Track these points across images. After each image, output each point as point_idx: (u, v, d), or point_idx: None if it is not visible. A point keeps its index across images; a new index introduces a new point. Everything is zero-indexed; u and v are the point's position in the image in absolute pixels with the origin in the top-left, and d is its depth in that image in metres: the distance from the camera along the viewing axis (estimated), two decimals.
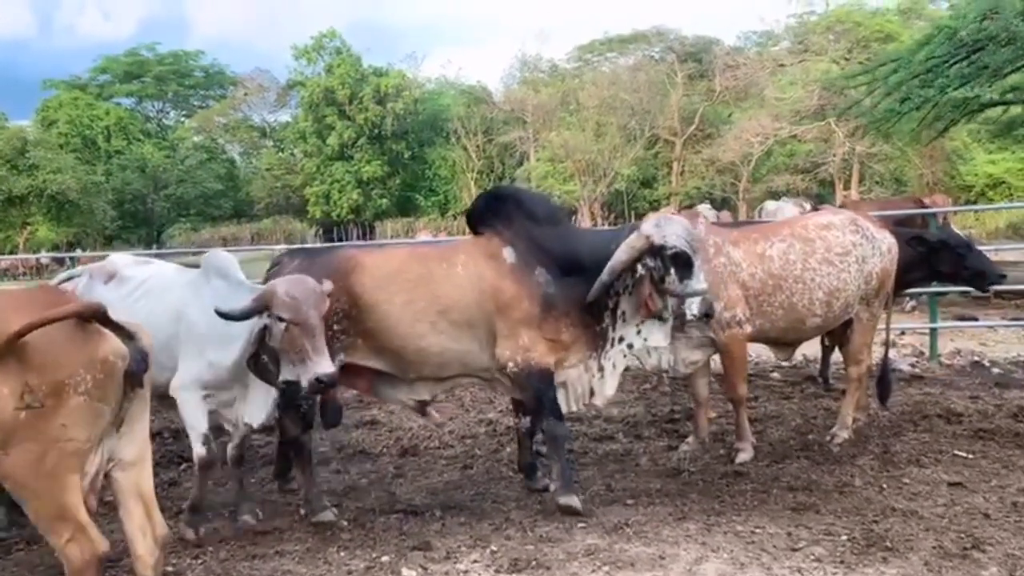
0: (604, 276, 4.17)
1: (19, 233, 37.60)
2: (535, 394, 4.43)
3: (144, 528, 3.14)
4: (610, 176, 36.81)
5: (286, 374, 3.85)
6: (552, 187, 39.64)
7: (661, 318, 4.36)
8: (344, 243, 7.75)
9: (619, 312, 4.39)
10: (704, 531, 4.01)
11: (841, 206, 9.78)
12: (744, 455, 5.04)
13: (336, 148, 42.16)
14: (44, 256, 27.74)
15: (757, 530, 3.98)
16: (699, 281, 4.15)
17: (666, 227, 4.23)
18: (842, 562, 3.60)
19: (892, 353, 8.14)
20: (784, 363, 7.84)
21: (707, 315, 4.23)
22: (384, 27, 78.83)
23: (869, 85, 12.85)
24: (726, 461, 5.07)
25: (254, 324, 3.83)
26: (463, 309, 4.38)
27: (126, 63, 45.01)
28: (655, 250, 4.18)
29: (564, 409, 4.54)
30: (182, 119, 48.80)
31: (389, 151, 42.63)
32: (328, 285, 4.04)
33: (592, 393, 4.55)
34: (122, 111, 44.31)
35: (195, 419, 4.19)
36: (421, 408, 4.81)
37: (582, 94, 38.42)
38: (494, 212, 4.53)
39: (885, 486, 4.50)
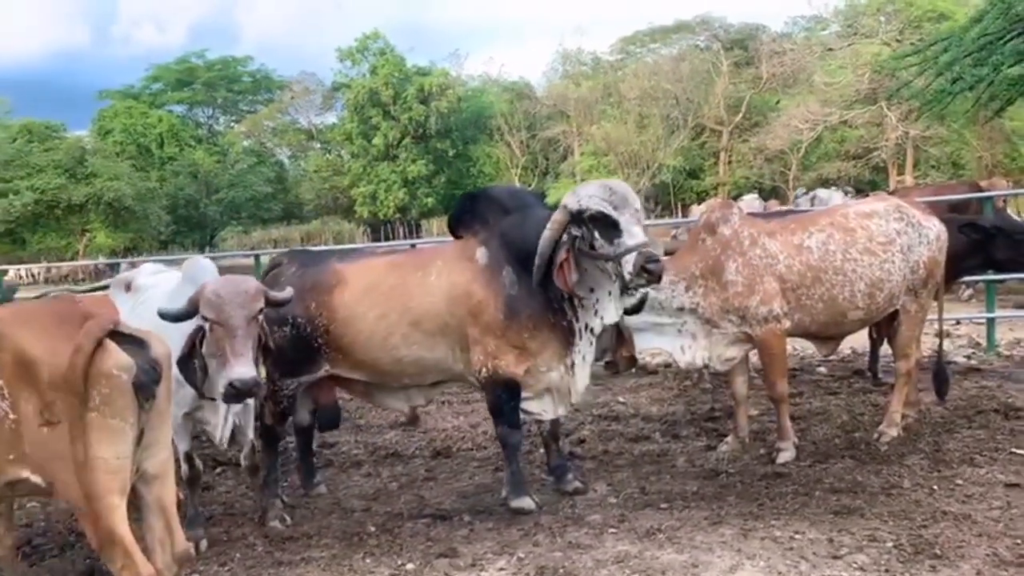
0: (537, 259, 4.02)
1: (79, 240, 38.71)
2: (496, 400, 4.36)
3: (164, 542, 3.11)
4: (654, 168, 36.34)
5: (217, 378, 3.74)
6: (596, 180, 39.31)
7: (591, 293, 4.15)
8: (339, 248, 7.63)
9: (577, 300, 4.19)
10: (740, 537, 3.83)
11: (891, 192, 9.40)
12: (785, 455, 4.83)
13: (382, 148, 42.46)
14: (101, 262, 28.51)
15: (797, 536, 3.78)
16: (631, 236, 3.86)
17: (580, 191, 4.03)
18: (887, 571, 3.39)
19: (947, 345, 7.81)
20: (831, 357, 7.60)
21: (646, 271, 3.81)
22: (427, 27, 79.28)
23: (920, 66, 12.33)
24: (766, 461, 4.86)
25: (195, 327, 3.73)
26: (435, 317, 4.32)
27: (176, 71, 45.97)
28: (576, 217, 3.98)
29: (551, 414, 4.47)
30: (232, 124, 49.66)
31: (434, 150, 42.78)
32: (289, 292, 4.01)
33: (569, 392, 4.40)
34: (174, 118, 45.28)
35: (177, 437, 4.17)
36: (413, 415, 4.77)
37: (623, 86, 38.02)
38: (472, 213, 4.46)
39: (936, 488, 4.25)
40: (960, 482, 4.31)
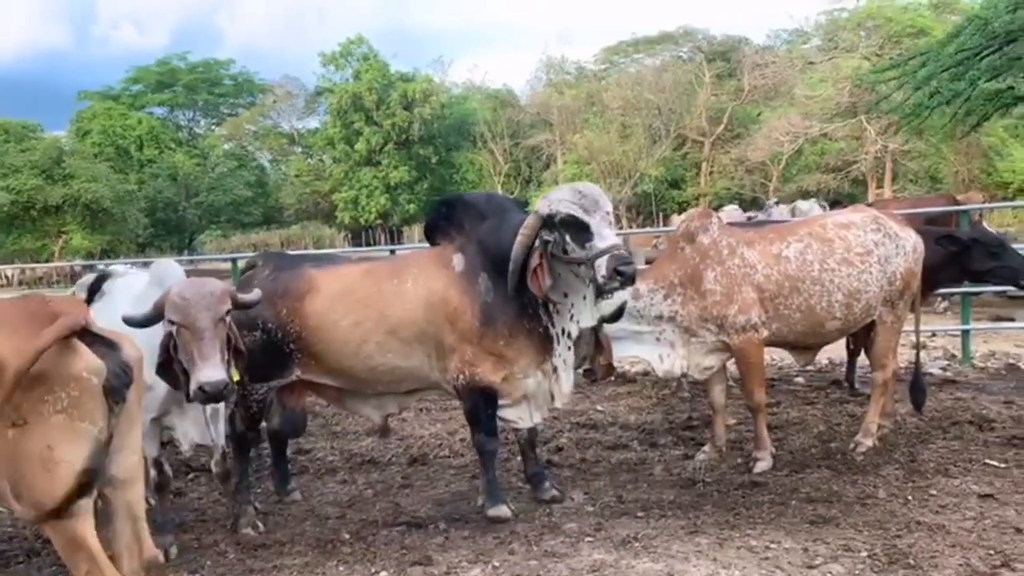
0: (511, 265, 3.99)
1: (55, 241, 38.23)
2: (473, 408, 4.34)
3: (132, 549, 3.04)
4: (635, 177, 36.50)
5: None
6: None
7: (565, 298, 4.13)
8: (315, 252, 7.48)
9: (552, 305, 4.17)
10: (716, 546, 3.82)
11: (870, 205, 9.49)
12: (762, 464, 4.84)
13: (364, 154, 42.35)
14: (77, 264, 28.18)
15: (772, 545, 3.78)
16: (601, 239, 3.82)
17: (551, 196, 4.01)
18: None
19: (922, 356, 7.87)
20: (809, 367, 7.64)
21: (618, 273, 3.75)
22: (411, 33, 79.31)
23: (899, 80, 12.48)
24: (743, 471, 4.86)
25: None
26: (411, 325, 4.28)
27: (157, 73, 45.60)
28: (547, 222, 3.96)
29: (528, 422, 4.44)
30: (212, 127, 49.32)
31: (416, 156, 42.74)
32: (256, 294, 3.96)
33: (552, 397, 4.38)
34: (154, 120, 44.90)
35: (146, 443, 4.10)
36: (384, 426, 4.72)
37: (606, 95, 38.20)
38: (448, 219, 4.42)
39: (910, 498, 4.27)
40: (934, 492, 4.33)
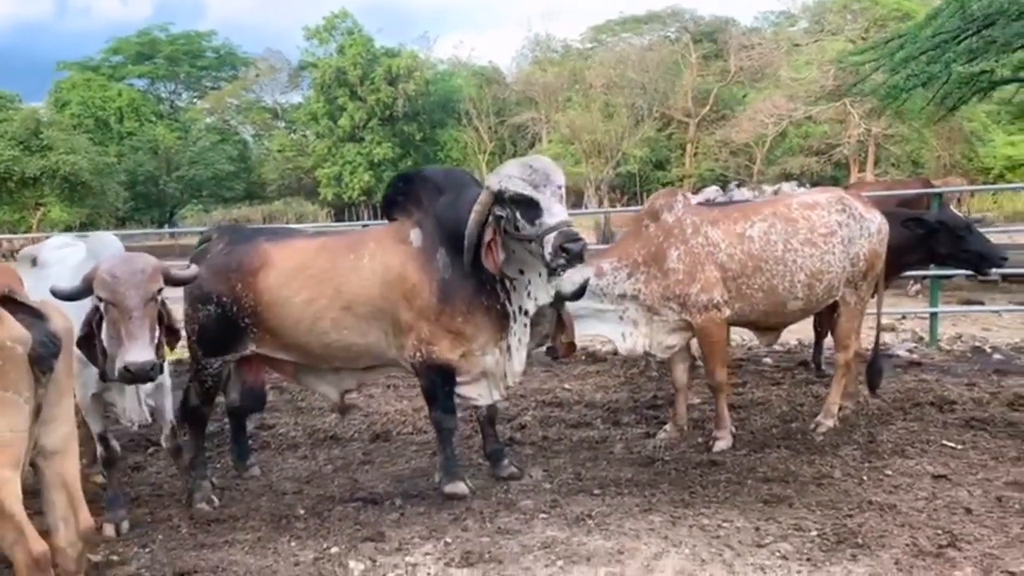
0: (466, 241, 3.94)
1: (32, 214, 37.75)
2: (430, 385, 4.30)
3: (67, 519, 3.01)
4: (618, 157, 36.43)
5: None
6: (564, 168, 39.34)
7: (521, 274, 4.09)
8: (269, 227, 7.18)
9: (508, 282, 4.13)
10: (669, 524, 3.82)
11: (846, 188, 9.48)
12: (722, 443, 4.84)
13: (348, 129, 41.99)
14: (54, 236, 27.83)
15: (724, 524, 3.78)
16: (551, 215, 3.74)
17: (501, 171, 3.94)
18: (808, 559, 3.40)
19: (891, 338, 7.92)
20: (778, 348, 7.67)
21: (564, 250, 3.65)
22: (396, 8, 78.47)
23: (876, 62, 12.45)
24: (703, 450, 4.87)
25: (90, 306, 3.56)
26: (367, 302, 4.21)
27: (138, 44, 44.92)
28: (499, 198, 3.89)
29: (488, 399, 4.41)
30: (194, 100, 48.74)
31: (400, 132, 42.41)
32: (193, 271, 3.87)
33: (505, 375, 4.34)
34: (134, 92, 44.25)
35: (89, 418, 4.05)
36: (342, 403, 4.68)
37: (589, 73, 37.99)
38: (405, 194, 4.35)
39: (865, 478, 4.29)
40: (889, 473, 4.34)
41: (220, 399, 4.88)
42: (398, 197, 4.35)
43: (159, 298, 3.60)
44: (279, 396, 6.69)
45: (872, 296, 5.35)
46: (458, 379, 4.32)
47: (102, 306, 3.50)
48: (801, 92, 31.57)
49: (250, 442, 5.58)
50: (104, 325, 3.56)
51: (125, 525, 4.16)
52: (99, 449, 4.15)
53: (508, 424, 5.63)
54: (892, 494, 4.06)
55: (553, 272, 3.94)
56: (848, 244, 4.85)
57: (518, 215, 3.83)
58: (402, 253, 4.18)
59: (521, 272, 4.10)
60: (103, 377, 3.74)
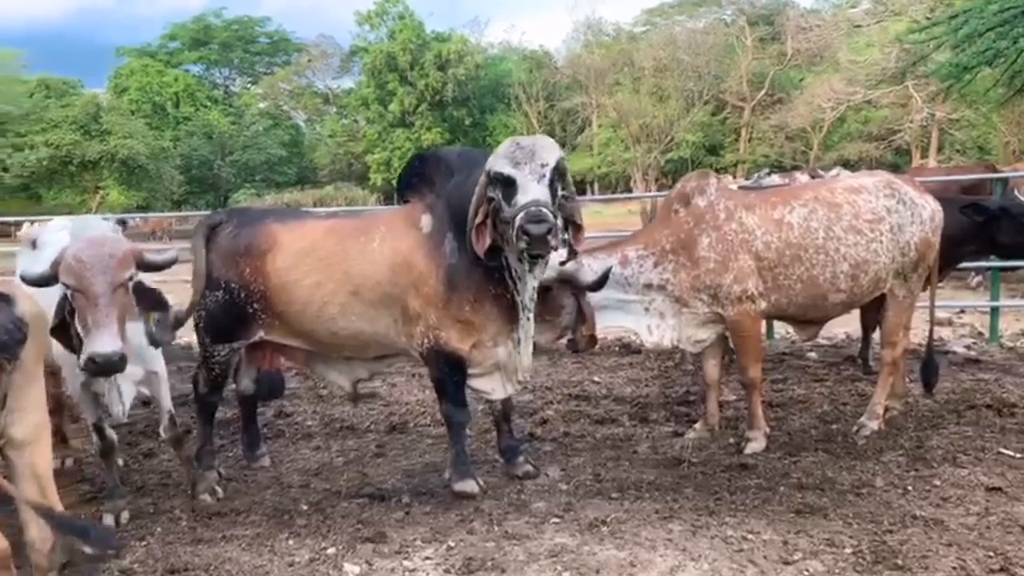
0: (467, 224, 3.67)
1: (93, 197, 38.72)
2: (439, 376, 4.07)
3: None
4: (666, 142, 35.72)
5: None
6: (613, 153, 38.81)
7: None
8: (279, 209, 6.76)
9: (515, 272, 3.83)
10: (688, 534, 3.52)
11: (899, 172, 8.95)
12: (754, 445, 4.51)
13: (397, 115, 42.07)
14: (55, 219, 28.36)
15: (750, 536, 3.47)
16: (524, 193, 3.41)
17: (496, 150, 3.65)
18: None
19: (947, 333, 7.43)
20: (823, 341, 7.26)
21: (525, 232, 3.31)
22: None
23: (938, 40, 11.72)
24: (733, 451, 4.53)
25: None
26: (375, 287, 3.98)
27: (193, 30, 45.65)
28: (489, 179, 3.59)
29: (501, 392, 4.17)
30: (248, 85, 49.39)
31: (450, 118, 42.34)
32: (171, 254, 3.55)
33: (516, 370, 4.09)
34: (190, 78, 45.07)
35: (82, 408, 3.89)
36: (355, 393, 4.47)
37: (639, 55, 37.31)
38: (419, 177, 4.09)
39: (910, 488, 3.91)
40: (938, 483, 3.96)
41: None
42: (413, 179, 4.11)
43: (130, 285, 3.34)
44: (301, 383, 6.55)
45: (924, 289, 4.93)
46: (470, 371, 4.09)
47: (69, 293, 3.26)
48: (861, 75, 30.45)
49: (265, 430, 5.46)
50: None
51: (125, 515, 4.03)
52: (95, 439, 4.02)
53: (530, 418, 5.38)
54: (939, 508, 3.69)
55: (522, 258, 3.65)
56: (897, 232, 4.45)
57: (499, 195, 3.54)
58: (412, 239, 3.94)
59: (520, 261, 3.82)
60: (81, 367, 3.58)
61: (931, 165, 27.79)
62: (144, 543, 3.77)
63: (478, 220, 3.60)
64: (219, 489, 4.31)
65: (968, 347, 6.82)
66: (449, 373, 4.03)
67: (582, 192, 37.42)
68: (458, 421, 4.13)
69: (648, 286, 4.52)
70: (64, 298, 3.26)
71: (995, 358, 6.55)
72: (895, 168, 27.77)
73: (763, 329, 5.11)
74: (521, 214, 3.35)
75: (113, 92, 43.20)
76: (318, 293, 4.05)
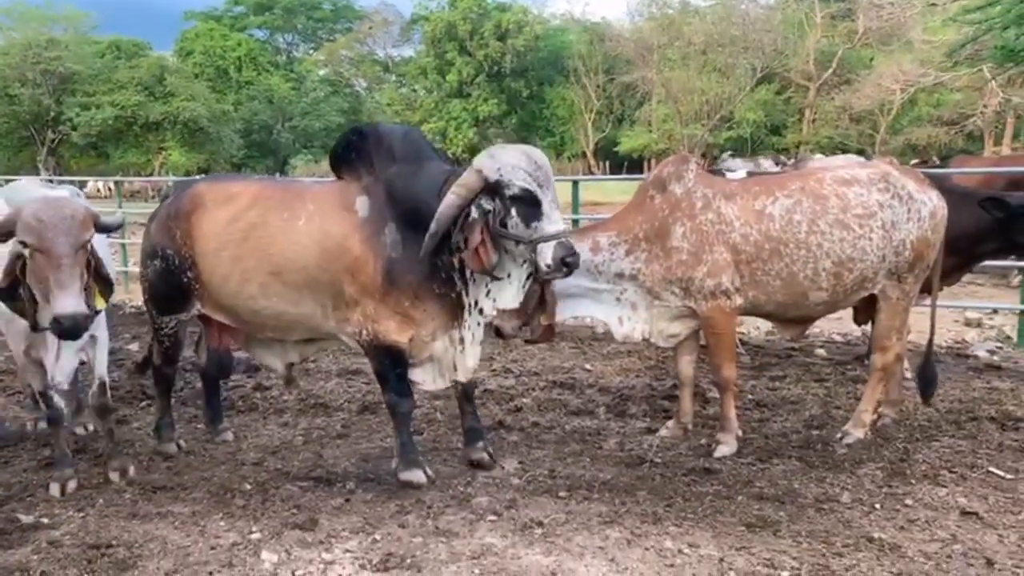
0: (433, 226, 3.49)
1: (155, 157, 39.59)
2: (380, 367, 3.90)
3: None
4: (724, 120, 34.75)
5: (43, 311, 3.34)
6: (672, 130, 38.00)
7: (495, 276, 3.65)
8: (216, 176, 6.31)
9: (468, 272, 3.68)
10: (624, 543, 3.32)
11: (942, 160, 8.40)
12: (724, 448, 4.26)
13: (455, 85, 41.87)
14: (171, 180, 29.05)
15: (687, 550, 3.25)
16: (551, 222, 3.43)
17: (501, 157, 3.48)
18: None
19: (973, 336, 7.00)
20: (837, 338, 6.92)
21: (565, 263, 3.45)
22: None
23: (992, 21, 10.91)
24: (702, 454, 4.29)
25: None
26: (300, 270, 3.80)
27: None
28: (492, 188, 3.45)
29: (431, 385, 4.03)
30: (310, 52, 49.72)
31: (508, 89, 41.98)
32: (118, 217, 3.63)
33: (455, 368, 3.91)
34: (253, 43, 45.50)
35: (28, 375, 3.86)
36: (288, 376, 4.34)
37: (688, 29, 36.27)
38: (356, 152, 3.87)
39: (877, 506, 3.62)
40: (909, 503, 3.66)
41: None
42: (348, 153, 3.92)
43: (89, 246, 3.37)
44: None
45: (928, 292, 4.59)
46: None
47: (27, 253, 3.27)
48: (936, 56, 28.94)
49: (240, 403, 5.43)
50: (28, 274, 3.35)
51: (71, 484, 4.01)
52: (42, 406, 4.00)
53: (503, 406, 5.21)
54: (902, 531, 3.40)
55: (538, 280, 3.69)
56: (891, 229, 4.11)
57: (513, 212, 3.46)
58: (345, 221, 3.76)
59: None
60: (34, 328, 3.55)
61: (1004, 152, 26.40)
62: (83, 514, 3.76)
63: (478, 237, 3.45)
64: (177, 448, 4.36)
65: (991, 351, 6.38)
66: (390, 365, 3.88)
67: (639, 169, 36.76)
68: (402, 411, 3.97)
69: (620, 275, 4.28)
70: (15, 258, 3.24)
71: (1018, 365, 6.09)
72: (966, 154, 26.49)
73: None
74: (554, 244, 3.41)
75: (179, 55, 43.93)
76: (237, 267, 3.90)
